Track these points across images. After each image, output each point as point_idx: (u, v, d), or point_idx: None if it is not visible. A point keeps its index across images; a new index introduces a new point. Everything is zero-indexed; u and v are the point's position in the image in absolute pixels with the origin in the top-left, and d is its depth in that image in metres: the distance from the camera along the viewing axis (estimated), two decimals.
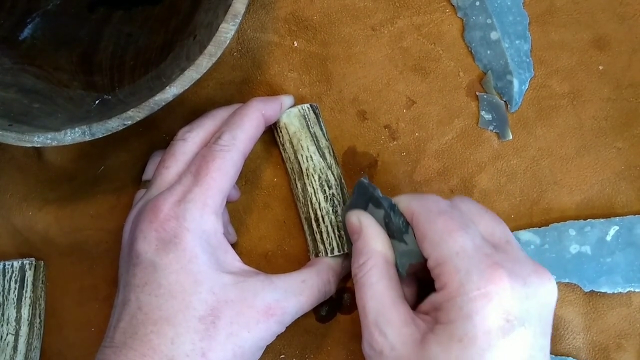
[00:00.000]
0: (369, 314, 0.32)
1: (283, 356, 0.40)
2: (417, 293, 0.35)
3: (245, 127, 0.36)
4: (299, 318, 0.35)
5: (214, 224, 0.34)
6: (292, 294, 0.34)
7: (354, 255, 0.34)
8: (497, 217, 0.34)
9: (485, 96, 0.41)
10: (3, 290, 0.40)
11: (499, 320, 0.29)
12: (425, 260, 0.32)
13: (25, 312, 0.40)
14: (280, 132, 0.40)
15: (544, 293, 0.31)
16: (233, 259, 0.35)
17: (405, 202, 0.34)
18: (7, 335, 0.39)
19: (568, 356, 0.40)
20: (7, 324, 0.39)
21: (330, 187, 0.39)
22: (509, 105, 0.41)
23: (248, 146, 0.36)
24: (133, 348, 0.31)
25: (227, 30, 0.33)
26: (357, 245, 0.34)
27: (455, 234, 0.31)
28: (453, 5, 0.42)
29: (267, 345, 0.34)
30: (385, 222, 0.34)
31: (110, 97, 0.38)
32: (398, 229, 0.34)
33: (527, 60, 0.41)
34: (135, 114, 0.33)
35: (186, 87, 0.33)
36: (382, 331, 0.32)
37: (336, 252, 0.38)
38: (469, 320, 0.29)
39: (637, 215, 0.40)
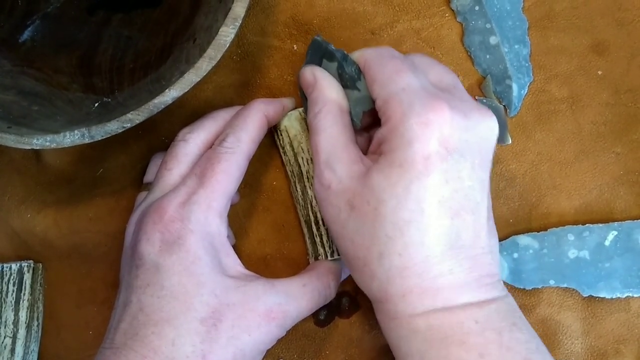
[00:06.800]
0: (321, 154, 0.34)
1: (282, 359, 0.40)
2: (368, 145, 0.37)
3: (249, 128, 0.36)
4: (297, 322, 0.35)
5: (218, 226, 0.34)
6: (293, 298, 0.34)
7: (310, 105, 0.36)
8: (449, 70, 0.36)
9: (484, 100, 0.41)
10: (1, 293, 0.40)
11: (438, 146, 0.30)
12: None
13: (23, 314, 0.40)
14: (281, 134, 0.40)
15: (484, 127, 0.32)
16: (235, 263, 0.34)
17: (359, 52, 0.36)
18: (4, 338, 0.39)
19: None
20: (5, 327, 0.39)
21: None
22: (508, 110, 0.41)
23: (252, 148, 0.36)
24: (133, 349, 0.31)
25: (227, 34, 0.33)
26: (312, 97, 0.36)
27: (403, 74, 0.33)
28: (452, 10, 0.42)
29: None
30: (338, 73, 0.36)
31: (109, 99, 0.38)
32: (351, 77, 0.35)
33: (526, 64, 0.42)
34: (135, 117, 0.33)
35: (186, 90, 0.33)
36: (332, 168, 0.33)
37: (336, 255, 0.38)
38: (409, 146, 0.31)
39: (635, 221, 0.40)
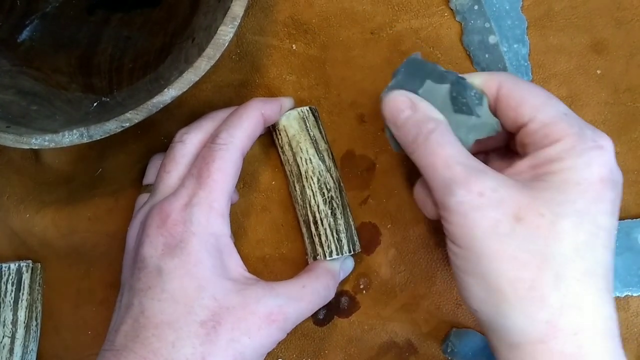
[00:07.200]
0: (457, 163, 0.30)
1: (280, 359, 0.40)
2: None
3: (244, 125, 0.36)
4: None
5: (220, 226, 0.34)
6: (293, 300, 0.34)
7: (416, 125, 0.32)
8: None
9: None
10: (0, 293, 0.40)
11: (610, 174, 0.30)
12: (496, 133, 0.33)
13: (21, 314, 0.40)
14: (279, 134, 0.40)
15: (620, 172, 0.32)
16: (237, 265, 0.35)
17: (479, 76, 0.34)
18: (3, 337, 0.39)
19: None
20: (4, 327, 0.39)
21: (329, 190, 0.39)
22: None
23: (246, 144, 0.36)
24: (134, 351, 0.31)
25: (225, 33, 0.33)
26: (413, 118, 0.32)
27: (556, 99, 0.32)
28: (451, 9, 0.42)
29: None
30: (452, 96, 0.33)
31: (108, 99, 0.38)
32: (471, 101, 0.33)
33: (526, 64, 0.42)
34: (133, 117, 0.33)
35: (184, 90, 0.33)
36: (479, 175, 0.30)
37: (335, 255, 0.38)
38: (587, 167, 0.29)
39: (634, 220, 0.40)
